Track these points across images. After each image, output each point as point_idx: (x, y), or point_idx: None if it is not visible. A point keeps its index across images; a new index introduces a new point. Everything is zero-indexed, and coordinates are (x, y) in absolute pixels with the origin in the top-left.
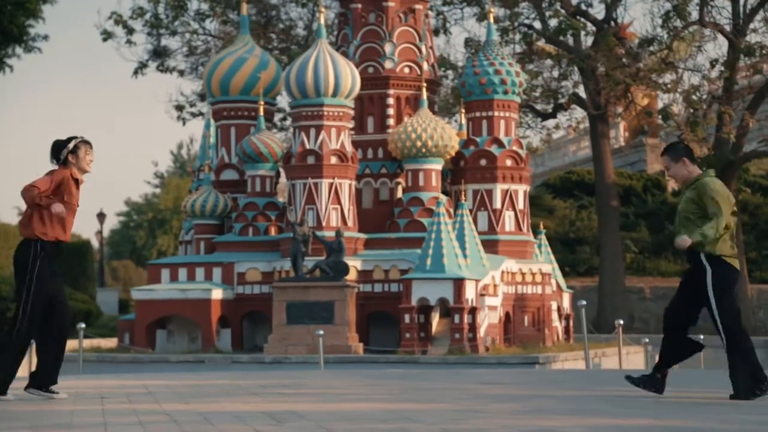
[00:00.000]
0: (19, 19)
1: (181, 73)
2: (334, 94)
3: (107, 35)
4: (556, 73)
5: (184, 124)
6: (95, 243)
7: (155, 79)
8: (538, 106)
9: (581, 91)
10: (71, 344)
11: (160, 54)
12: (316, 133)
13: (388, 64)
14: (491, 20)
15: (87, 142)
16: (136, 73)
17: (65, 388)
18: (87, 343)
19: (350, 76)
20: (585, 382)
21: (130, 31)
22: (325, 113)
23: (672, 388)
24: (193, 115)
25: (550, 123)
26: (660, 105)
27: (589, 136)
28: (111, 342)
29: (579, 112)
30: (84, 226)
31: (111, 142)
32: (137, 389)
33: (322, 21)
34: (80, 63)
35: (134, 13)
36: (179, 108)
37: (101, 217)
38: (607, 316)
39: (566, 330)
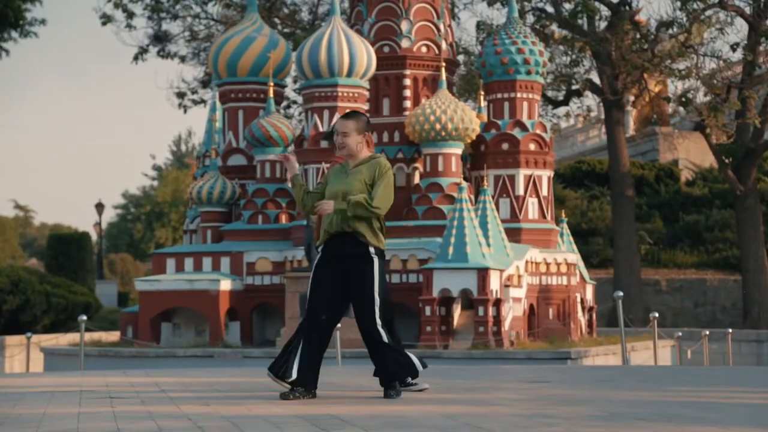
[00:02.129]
0: (14, 2)
1: (183, 59)
2: (349, 74)
3: (106, 19)
4: (568, 59)
5: (185, 111)
6: (95, 235)
7: (156, 65)
8: (550, 93)
9: (595, 78)
10: (73, 338)
11: (160, 39)
12: (329, 115)
13: (404, 43)
14: None
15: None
16: (136, 58)
17: (66, 385)
18: (87, 336)
19: (365, 55)
20: (639, 380)
21: (130, 15)
22: (339, 94)
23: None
24: (195, 102)
25: (561, 111)
26: (671, 93)
27: (603, 123)
28: (112, 335)
29: (590, 100)
30: (82, 218)
31: (109, 133)
32: (148, 387)
33: None
34: (78, 48)
35: None
36: (180, 95)
37: (99, 207)
38: (624, 309)
39: (589, 323)
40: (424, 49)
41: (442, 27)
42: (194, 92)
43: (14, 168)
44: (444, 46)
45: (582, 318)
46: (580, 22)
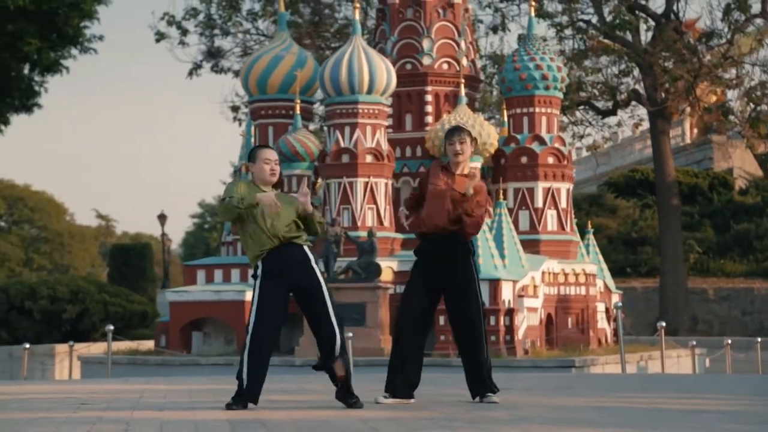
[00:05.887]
0: (74, 20)
1: (236, 73)
2: (369, 91)
3: (160, 36)
4: (616, 69)
5: (240, 124)
6: (172, 245)
7: (216, 79)
8: (600, 104)
9: (642, 88)
10: (116, 346)
11: (213, 54)
12: (350, 131)
13: (426, 60)
14: (532, 13)
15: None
16: (190, 74)
17: (60, 392)
18: (124, 345)
19: (385, 73)
20: (596, 387)
21: (184, 32)
22: (360, 111)
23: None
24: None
25: (612, 120)
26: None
27: (649, 133)
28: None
29: (642, 110)
30: (153, 228)
31: (187, 143)
32: (130, 394)
33: (357, 17)
34: (148, 60)
35: (187, 13)
36: (235, 109)
37: (162, 218)
38: (669, 318)
39: (615, 332)
40: (445, 66)
41: (462, 44)
42: (248, 105)
43: (97, 178)
44: (465, 62)
45: (606, 327)
46: (620, 33)
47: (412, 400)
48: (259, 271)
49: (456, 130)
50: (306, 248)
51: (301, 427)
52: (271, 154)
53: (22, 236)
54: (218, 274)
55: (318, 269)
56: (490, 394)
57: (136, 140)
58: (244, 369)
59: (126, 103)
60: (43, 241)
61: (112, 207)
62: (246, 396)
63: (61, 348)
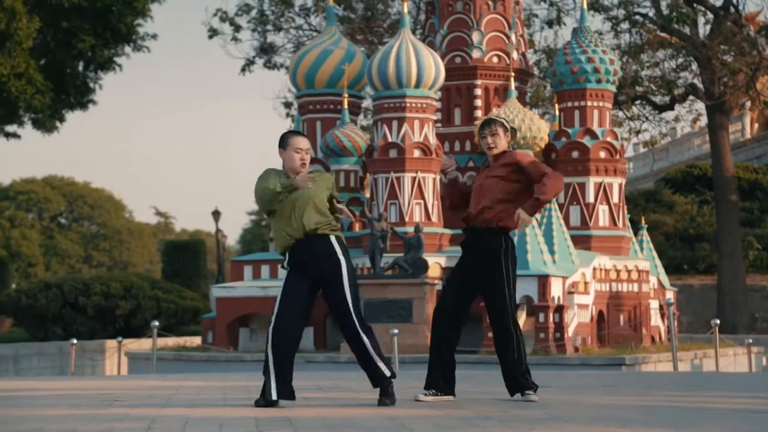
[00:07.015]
0: (127, 18)
1: (288, 69)
2: (417, 85)
3: (213, 32)
4: (674, 64)
5: (293, 120)
6: (229, 242)
7: (269, 75)
8: (657, 99)
9: (701, 82)
10: (163, 342)
11: (266, 50)
12: (398, 125)
13: (475, 54)
14: (584, 5)
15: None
16: (243, 70)
17: (99, 389)
18: (172, 341)
19: (434, 67)
20: (642, 386)
21: (237, 28)
22: (408, 105)
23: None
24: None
25: (669, 115)
26: None
27: (707, 127)
28: (198, 340)
29: (701, 104)
30: (211, 225)
31: (244, 139)
32: (165, 391)
33: (406, 10)
34: (202, 56)
35: (240, 9)
36: (287, 105)
37: (216, 215)
38: (727, 315)
39: (669, 330)
40: (495, 60)
41: (513, 37)
42: (297, 100)
43: (155, 175)
44: (515, 56)
45: (660, 324)
46: (677, 26)
47: (452, 398)
48: (286, 264)
49: (486, 123)
50: (333, 239)
51: (327, 425)
52: (303, 143)
53: (82, 233)
54: (265, 269)
55: (344, 260)
56: (528, 392)
57: (194, 137)
58: (271, 369)
59: (182, 100)
60: (102, 238)
61: (171, 204)
62: (269, 402)
63: (111, 344)
